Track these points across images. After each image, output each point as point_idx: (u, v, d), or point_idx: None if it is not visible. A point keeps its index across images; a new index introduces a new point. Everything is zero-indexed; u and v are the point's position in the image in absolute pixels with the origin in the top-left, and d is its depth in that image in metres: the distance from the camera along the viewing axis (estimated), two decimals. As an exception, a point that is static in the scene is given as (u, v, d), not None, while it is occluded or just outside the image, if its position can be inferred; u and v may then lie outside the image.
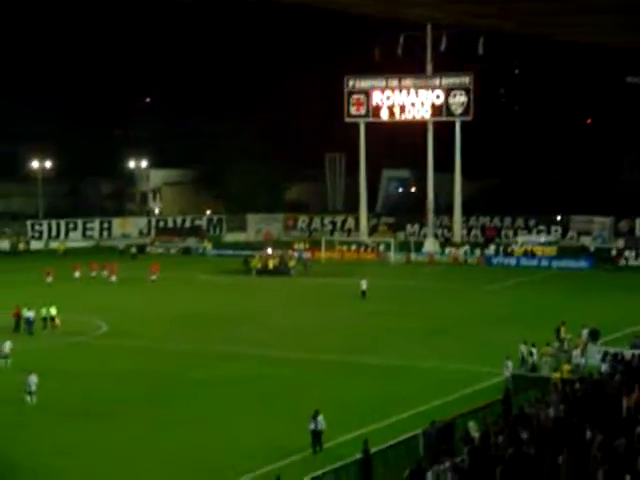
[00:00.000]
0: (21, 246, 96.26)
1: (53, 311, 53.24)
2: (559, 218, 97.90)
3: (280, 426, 34.69)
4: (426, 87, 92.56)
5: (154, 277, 73.15)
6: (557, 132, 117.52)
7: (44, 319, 53.01)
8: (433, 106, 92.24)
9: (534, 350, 41.38)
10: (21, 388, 37.77)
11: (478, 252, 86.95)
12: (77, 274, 74.16)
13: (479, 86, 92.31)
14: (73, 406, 38.00)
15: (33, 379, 37.65)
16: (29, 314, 52.39)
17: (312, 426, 31.77)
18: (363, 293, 64.51)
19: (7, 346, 44.51)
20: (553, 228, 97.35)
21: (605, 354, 40.16)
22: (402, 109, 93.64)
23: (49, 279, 70.62)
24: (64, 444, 33.27)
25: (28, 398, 37.51)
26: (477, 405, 32.94)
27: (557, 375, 36.73)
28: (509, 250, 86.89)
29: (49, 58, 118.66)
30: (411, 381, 41.65)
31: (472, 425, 29.54)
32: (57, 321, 52.95)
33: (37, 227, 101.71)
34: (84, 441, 33.60)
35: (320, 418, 31.75)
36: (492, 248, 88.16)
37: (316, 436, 31.74)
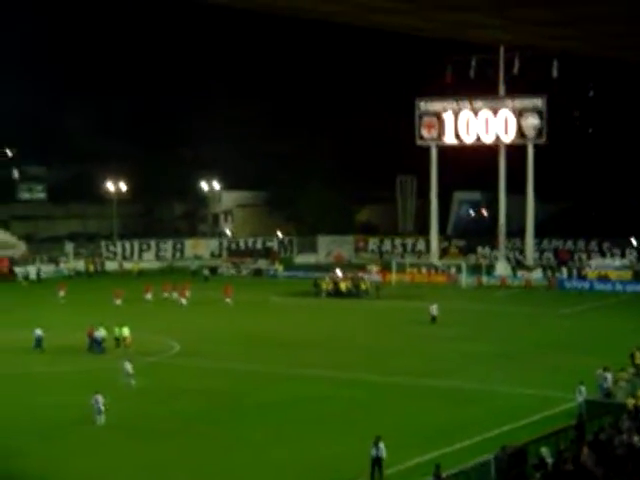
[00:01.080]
0: (91, 267, 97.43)
1: (126, 331, 53.89)
2: (634, 242, 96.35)
3: (346, 449, 34.51)
4: (498, 109, 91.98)
5: (229, 300, 73.38)
6: (632, 154, 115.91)
7: (117, 339, 53.68)
8: (505, 128, 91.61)
9: (609, 375, 40.74)
10: (93, 408, 38.18)
11: (551, 275, 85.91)
12: (149, 296, 74.58)
13: (553, 108, 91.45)
14: (144, 425, 38.39)
15: (99, 398, 37.95)
16: (98, 334, 53.10)
17: (373, 452, 31.37)
18: (433, 318, 63.24)
19: (129, 366, 44.44)
20: (628, 251, 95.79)
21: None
22: (474, 131, 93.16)
23: (118, 301, 71.30)
24: (136, 463, 33.62)
25: (98, 417, 37.97)
26: (550, 430, 32.51)
27: (632, 401, 36.06)
28: (583, 274, 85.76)
29: (126, 80, 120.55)
30: (483, 405, 41.27)
31: (545, 451, 29.17)
32: (128, 340, 53.52)
33: (111, 248, 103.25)
34: (153, 460, 33.90)
35: (381, 445, 31.22)
36: (565, 271, 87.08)
37: (377, 463, 31.24)
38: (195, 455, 34.48)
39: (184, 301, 72.69)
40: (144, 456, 34.38)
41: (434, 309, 63.60)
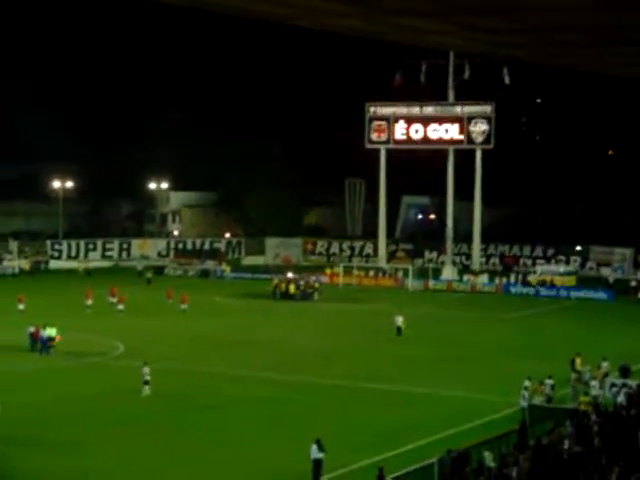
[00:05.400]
0: (27, 266, 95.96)
1: (53, 332, 52.60)
2: (579, 248, 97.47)
3: (288, 451, 34.41)
4: (448, 115, 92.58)
5: (184, 307, 69.94)
6: (578, 162, 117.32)
7: (50, 339, 52.64)
8: (454, 134, 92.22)
9: (550, 381, 41.19)
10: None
11: (497, 280, 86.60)
12: (89, 302, 69.66)
13: (501, 115, 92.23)
14: (85, 428, 37.97)
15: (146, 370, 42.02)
16: (45, 334, 52.36)
17: (313, 455, 31.45)
18: (399, 330, 60.12)
19: (146, 371, 43.40)
20: (572, 258, 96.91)
21: (622, 386, 39.98)
22: (423, 136, 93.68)
23: (21, 306, 66.69)
24: (75, 467, 33.30)
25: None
26: (493, 435, 32.74)
27: (583, 406, 36.36)
28: (528, 279, 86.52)
29: (75, 79, 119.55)
30: (428, 409, 41.46)
31: (487, 455, 29.40)
32: (57, 340, 52.44)
33: (57, 247, 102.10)
34: (93, 464, 33.58)
35: (316, 447, 31.22)
36: (511, 277, 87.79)
37: (316, 465, 31.36)
38: (137, 457, 34.19)
39: (121, 307, 68.57)
40: (85, 460, 34.02)
41: (399, 320, 60.50)
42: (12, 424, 37.47)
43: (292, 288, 78.74)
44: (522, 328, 65.59)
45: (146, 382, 43.12)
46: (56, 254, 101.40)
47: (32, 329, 52.94)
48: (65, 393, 43.45)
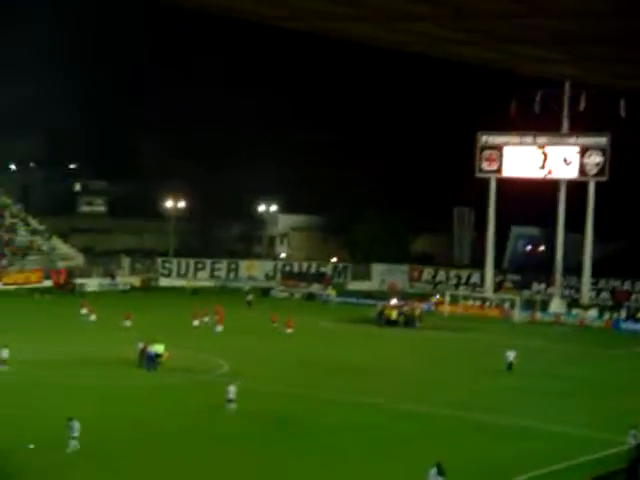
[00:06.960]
0: (137, 283, 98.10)
1: (160, 348, 53.48)
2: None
3: (395, 478, 34.34)
4: (561, 145, 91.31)
5: (290, 330, 70.59)
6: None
7: (157, 355, 53.37)
8: (567, 165, 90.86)
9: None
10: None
11: (607, 315, 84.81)
12: (196, 322, 71.19)
13: (616, 147, 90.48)
14: (193, 446, 38.42)
15: (75, 425, 35.80)
16: (152, 350, 53.20)
17: (432, 478, 31.29)
18: (510, 365, 57.43)
19: (232, 390, 43.66)
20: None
21: None
22: (535, 166, 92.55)
23: (127, 322, 68.74)
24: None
25: (71, 443, 35.75)
26: (600, 473, 32.00)
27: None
28: (639, 315, 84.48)
29: (192, 97, 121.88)
30: (532, 443, 40.71)
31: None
32: (165, 357, 53.33)
33: (167, 265, 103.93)
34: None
35: (436, 470, 31.14)
36: (622, 312, 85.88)
37: None
38: (238, 477, 34.39)
39: (221, 327, 69.65)
40: (186, 477, 34.39)
41: (511, 355, 57.91)
42: (118, 439, 38.19)
43: (395, 314, 78.47)
44: (631, 365, 64.00)
45: (230, 400, 43.22)
46: (166, 272, 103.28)
47: (141, 345, 53.97)
48: (171, 409, 44.06)
